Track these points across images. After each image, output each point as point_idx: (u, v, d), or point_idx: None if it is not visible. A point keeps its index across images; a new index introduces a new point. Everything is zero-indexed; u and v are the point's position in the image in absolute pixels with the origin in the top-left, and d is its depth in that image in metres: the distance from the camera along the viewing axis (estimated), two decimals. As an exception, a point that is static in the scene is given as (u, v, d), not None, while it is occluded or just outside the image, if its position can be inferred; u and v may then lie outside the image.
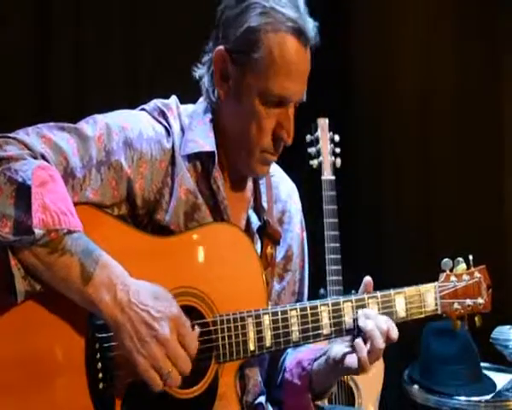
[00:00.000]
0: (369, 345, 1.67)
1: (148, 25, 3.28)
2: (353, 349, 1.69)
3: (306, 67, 1.72)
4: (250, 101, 1.68)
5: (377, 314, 1.72)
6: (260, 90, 1.66)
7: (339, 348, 1.75)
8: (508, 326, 2.71)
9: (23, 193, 1.42)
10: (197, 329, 1.56)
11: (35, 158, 1.50)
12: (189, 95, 1.84)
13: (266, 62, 1.65)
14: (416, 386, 2.79)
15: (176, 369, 1.48)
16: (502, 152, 3.76)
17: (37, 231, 1.41)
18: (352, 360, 1.70)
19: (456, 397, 2.64)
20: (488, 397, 2.65)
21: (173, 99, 1.82)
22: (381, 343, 1.67)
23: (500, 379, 2.77)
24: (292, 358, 1.89)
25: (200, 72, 1.79)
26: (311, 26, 1.70)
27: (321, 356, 1.81)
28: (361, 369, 1.69)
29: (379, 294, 1.77)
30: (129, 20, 3.27)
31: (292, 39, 1.66)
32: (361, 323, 1.70)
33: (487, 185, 3.71)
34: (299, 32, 1.67)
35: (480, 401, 2.62)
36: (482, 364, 2.83)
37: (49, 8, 3.09)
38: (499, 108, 3.74)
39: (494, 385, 2.74)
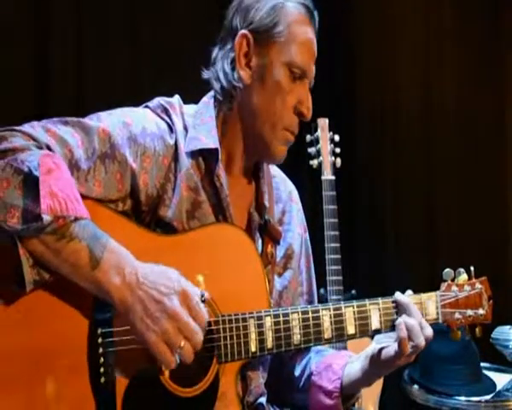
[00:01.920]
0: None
1: (149, 25, 3.28)
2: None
3: (316, 49, 1.82)
4: (275, 76, 1.76)
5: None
6: (285, 62, 1.76)
7: (376, 345, 1.79)
8: (508, 326, 2.71)
9: (30, 182, 1.43)
10: (207, 294, 1.56)
11: (40, 148, 1.51)
12: (190, 95, 1.84)
13: (289, 35, 1.76)
14: (415, 386, 2.79)
15: (188, 342, 1.48)
16: (504, 158, 3.76)
17: (46, 218, 1.42)
18: (389, 349, 1.75)
19: (456, 397, 2.64)
20: (488, 397, 2.64)
21: (176, 98, 1.84)
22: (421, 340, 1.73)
23: (500, 379, 2.77)
24: (319, 362, 1.91)
25: (213, 69, 1.83)
26: (316, 15, 1.83)
27: (353, 361, 1.85)
28: (400, 352, 1.72)
29: (381, 300, 1.79)
30: (129, 22, 3.27)
31: (307, 20, 1.80)
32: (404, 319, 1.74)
33: (489, 185, 3.71)
34: (312, 17, 1.81)
35: (479, 401, 2.62)
36: (482, 364, 2.83)
37: (50, 9, 3.09)
38: (502, 111, 3.75)
39: (494, 385, 2.74)
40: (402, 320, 1.74)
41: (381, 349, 1.78)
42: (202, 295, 1.54)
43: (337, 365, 1.86)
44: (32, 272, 1.46)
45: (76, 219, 1.46)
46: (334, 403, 1.84)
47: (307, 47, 1.78)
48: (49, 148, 1.53)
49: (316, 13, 1.82)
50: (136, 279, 1.48)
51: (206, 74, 1.84)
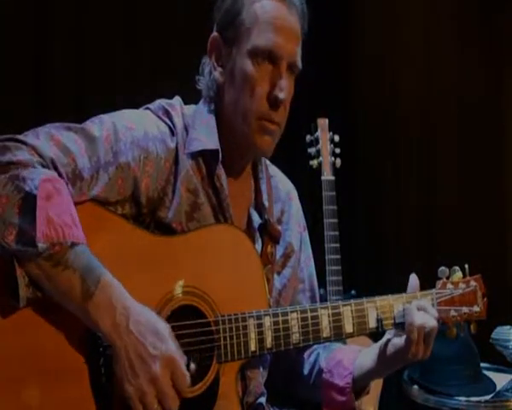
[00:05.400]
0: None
1: (149, 26, 3.28)
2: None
3: (293, 26, 1.74)
4: (241, 67, 1.72)
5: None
6: (248, 49, 1.71)
7: (388, 337, 1.82)
8: (508, 326, 2.70)
9: (29, 204, 1.43)
10: (192, 365, 1.57)
11: (44, 164, 1.51)
12: (190, 96, 1.85)
13: (250, 22, 1.71)
14: (415, 386, 2.78)
15: (162, 408, 1.48)
16: (503, 158, 3.76)
17: (41, 245, 1.42)
18: (399, 340, 1.77)
19: (456, 397, 2.63)
20: (488, 397, 2.64)
21: (177, 99, 1.84)
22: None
23: (500, 379, 2.76)
24: (328, 358, 1.91)
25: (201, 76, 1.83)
26: None
27: (363, 355, 1.86)
28: (409, 343, 1.74)
29: (378, 299, 1.81)
30: (130, 22, 3.28)
31: None
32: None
33: (488, 184, 3.72)
34: None
35: (479, 401, 2.61)
36: (482, 364, 2.83)
37: (50, 9, 3.10)
38: (501, 111, 3.75)
39: (494, 385, 2.73)
40: (411, 320, 1.75)
41: (393, 341, 1.80)
42: (188, 365, 1.53)
43: (347, 360, 1.87)
44: (27, 290, 1.46)
45: (73, 244, 1.46)
46: (347, 399, 1.86)
47: (276, 27, 1.70)
48: (52, 161, 1.52)
49: None
50: (125, 324, 1.47)
51: (198, 83, 1.84)
